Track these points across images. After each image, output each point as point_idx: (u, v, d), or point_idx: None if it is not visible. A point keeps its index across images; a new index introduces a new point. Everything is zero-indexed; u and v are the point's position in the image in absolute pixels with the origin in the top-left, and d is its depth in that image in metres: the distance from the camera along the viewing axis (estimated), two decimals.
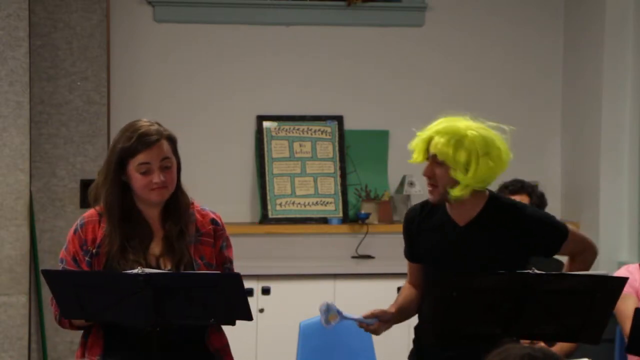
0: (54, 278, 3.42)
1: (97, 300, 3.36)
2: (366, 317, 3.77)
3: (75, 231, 3.60)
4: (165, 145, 3.53)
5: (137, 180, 3.50)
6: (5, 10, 5.72)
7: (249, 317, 3.43)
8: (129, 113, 6.24)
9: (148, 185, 3.50)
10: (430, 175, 3.70)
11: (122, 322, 3.50)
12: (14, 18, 5.73)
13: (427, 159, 3.71)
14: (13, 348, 5.73)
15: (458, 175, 3.66)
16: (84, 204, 6.00)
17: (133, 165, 3.50)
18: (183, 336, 3.55)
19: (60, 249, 5.87)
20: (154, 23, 6.47)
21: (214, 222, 3.64)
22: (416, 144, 3.73)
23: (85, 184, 6.00)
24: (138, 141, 3.49)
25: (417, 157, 3.73)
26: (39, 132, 5.96)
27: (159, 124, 3.59)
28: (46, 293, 5.77)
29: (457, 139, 3.66)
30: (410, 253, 3.91)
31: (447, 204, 3.78)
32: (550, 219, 3.78)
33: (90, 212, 3.62)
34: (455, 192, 3.69)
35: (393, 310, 3.83)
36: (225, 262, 3.64)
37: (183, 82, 6.49)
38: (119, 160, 3.51)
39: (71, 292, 3.36)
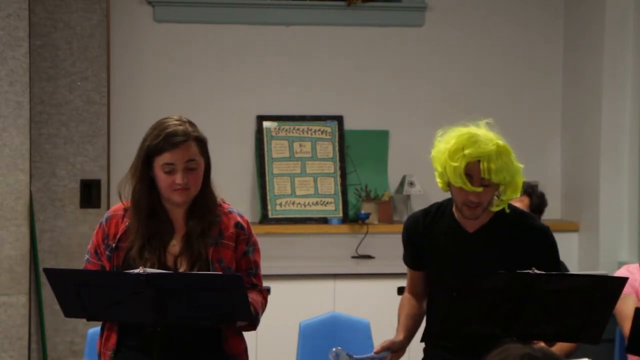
0: (56, 277, 3.42)
1: (99, 300, 3.36)
2: (377, 352, 3.76)
3: (100, 224, 3.62)
4: (192, 146, 3.52)
5: (161, 179, 3.51)
6: (5, 10, 5.72)
7: (249, 317, 3.43)
8: (129, 113, 6.25)
9: (171, 185, 3.50)
10: (479, 200, 3.63)
11: (124, 321, 3.50)
12: (14, 18, 5.73)
13: (471, 183, 3.61)
14: (13, 348, 5.73)
15: (507, 192, 3.67)
16: (84, 204, 6.00)
17: (158, 164, 3.50)
18: (199, 339, 3.54)
19: (60, 249, 5.95)
20: (154, 23, 6.47)
21: (238, 225, 3.60)
22: (455, 175, 3.61)
23: (85, 184, 6.01)
24: (164, 140, 3.48)
25: (465, 186, 3.60)
26: (39, 132, 5.96)
27: (190, 123, 3.57)
28: (46, 293, 5.77)
29: (501, 156, 3.61)
30: (412, 261, 3.88)
31: (455, 211, 3.76)
32: (552, 239, 3.77)
33: (118, 206, 3.63)
34: (501, 205, 3.70)
35: (401, 337, 3.81)
36: (250, 267, 3.61)
37: (183, 82, 6.49)
38: (146, 157, 3.51)
39: (73, 291, 3.36)
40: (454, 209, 3.76)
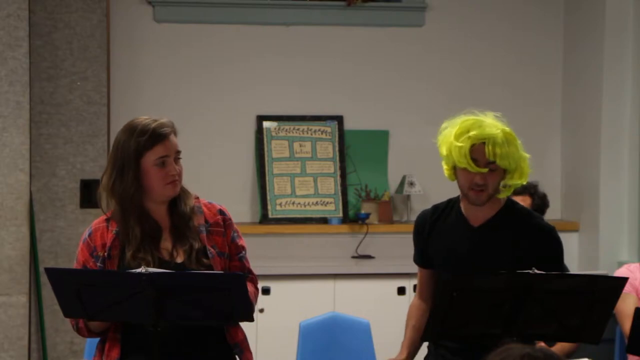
0: (57, 276, 3.41)
1: (99, 300, 3.36)
2: None
3: (84, 240, 3.59)
4: (174, 138, 3.57)
5: (153, 174, 3.51)
6: (5, 10, 5.72)
7: (250, 317, 3.44)
8: (129, 113, 6.21)
9: (164, 178, 3.51)
10: (484, 182, 3.65)
11: (124, 321, 3.50)
12: (14, 18, 5.73)
13: (477, 165, 3.63)
14: (13, 348, 5.72)
15: (514, 178, 3.67)
16: (84, 204, 6.00)
17: (150, 160, 3.51)
18: (202, 331, 3.55)
19: (61, 249, 5.95)
20: (154, 23, 6.47)
21: (221, 212, 3.66)
22: (460, 155, 3.62)
23: (85, 184, 6.00)
24: (154, 134, 3.51)
25: (470, 167, 3.61)
26: (39, 132, 5.96)
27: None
28: (46, 293, 5.77)
29: (507, 142, 3.64)
30: (421, 258, 3.88)
31: (462, 205, 3.77)
32: (558, 240, 3.77)
33: (98, 219, 3.63)
34: (506, 192, 3.70)
35: (404, 355, 3.83)
36: (239, 251, 3.66)
37: (183, 82, 6.50)
38: (136, 157, 3.51)
39: (73, 291, 3.36)
40: (460, 202, 3.78)
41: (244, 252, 3.68)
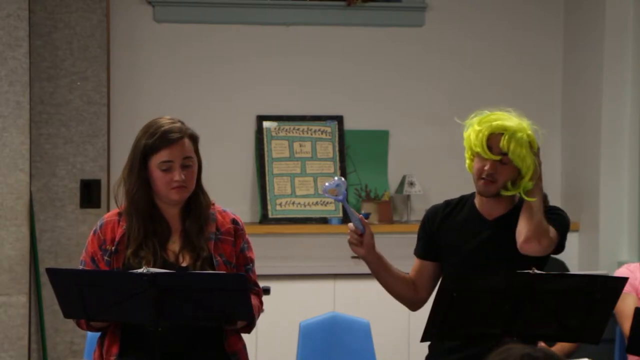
0: (58, 277, 3.41)
1: (100, 300, 3.36)
2: (361, 219, 3.83)
3: (94, 232, 3.61)
4: (187, 143, 3.57)
5: (158, 178, 3.52)
6: (5, 10, 5.72)
7: (250, 317, 3.44)
8: (129, 113, 6.25)
9: (168, 183, 3.51)
10: (494, 172, 3.71)
11: (125, 321, 3.50)
12: (14, 18, 5.73)
13: (490, 153, 3.70)
14: (13, 348, 5.72)
15: (526, 179, 3.71)
16: (84, 204, 6.00)
17: (155, 163, 3.51)
18: (201, 338, 3.55)
19: (60, 249, 5.95)
20: (154, 23, 6.47)
21: (234, 222, 3.66)
22: (476, 139, 3.72)
23: (85, 184, 6.01)
24: (161, 138, 3.51)
25: (483, 152, 3.70)
26: (39, 132, 5.96)
27: (182, 122, 3.61)
28: (46, 293, 5.77)
29: (524, 144, 3.72)
30: (424, 250, 3.91)
31: (477, 200, 3.81)
32: (565, 215, 3.84)
33: (111, 212, 3.65)
34: (513, 190, 3.74)
35: (380, 255, 3.85)
36: (247, 263, 3.65)
37: (183, 82, 6.49)
38: (143, 156, 3.51)
39: (74, 291, 3.36)
40: (475, 198, 3.83)
41: (251, 265, 3.67)
